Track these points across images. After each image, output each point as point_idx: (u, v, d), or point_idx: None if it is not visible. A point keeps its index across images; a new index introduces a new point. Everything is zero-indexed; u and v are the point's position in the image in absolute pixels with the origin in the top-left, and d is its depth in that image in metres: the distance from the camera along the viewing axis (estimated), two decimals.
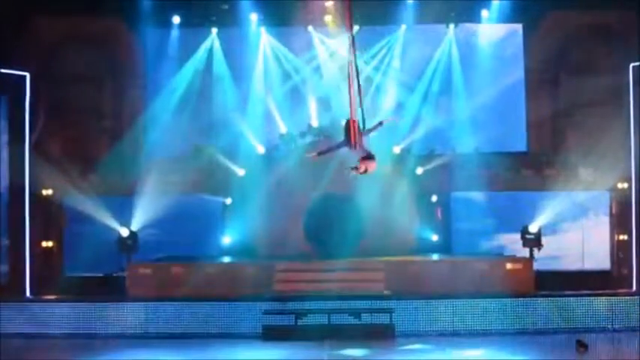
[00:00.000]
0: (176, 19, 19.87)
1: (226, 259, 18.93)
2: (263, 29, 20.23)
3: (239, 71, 20.22)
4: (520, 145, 19.84)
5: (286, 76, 20.24)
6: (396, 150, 20.06)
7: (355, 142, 10.32)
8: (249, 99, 20.15)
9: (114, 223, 18.64)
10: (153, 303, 16.27)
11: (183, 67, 20.02)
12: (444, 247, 19.64)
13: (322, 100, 20.27)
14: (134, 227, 18.62)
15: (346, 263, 17.12)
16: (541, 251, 18.19)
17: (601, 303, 16.11)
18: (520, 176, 19.27)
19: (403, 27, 20.06)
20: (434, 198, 19.95)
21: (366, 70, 20.11)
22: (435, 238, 19.80)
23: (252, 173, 19.72)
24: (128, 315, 16.20)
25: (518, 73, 19.87)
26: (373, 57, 20.30)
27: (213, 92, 20.05)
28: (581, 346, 14.16)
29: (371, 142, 19.32)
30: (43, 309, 16.40)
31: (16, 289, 17.82)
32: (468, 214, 19.69)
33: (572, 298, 16.21)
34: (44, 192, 19.11)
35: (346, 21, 11.73)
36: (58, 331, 16.07)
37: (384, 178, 19.68)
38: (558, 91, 19.38)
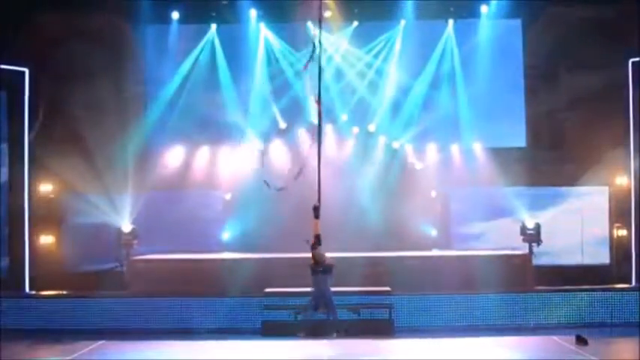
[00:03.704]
0: (175, 15, 19.88)
1: (226, 255, 18.92)
2: (262, 25, 20.22)
3: (238, 67, 20.20)
4: (519, 140, 19.85)
5: (286, 71, 20.19)
6: (396, 145, 20.11)
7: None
8: (249, 95, 20.14)
9: (113, 218, 18.66)
10: (152, 298, 16.28)
11: (182, 63, 20.02)
12: (444, 243, 19.68)
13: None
14: (134, 222, 18.62)
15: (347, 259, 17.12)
16: (540, 246, 18.24)
17: (600, 298, 16.14)
18: (519, 172, 19.26)
19: (402, 22, 20.05)
20: (433, 193, 19.99)
21: (364, 65, 20.20)
22: (434, 233, 19.87)
23: (251, 169, 19.77)
24: (127, 310, 16.20)
25: (517, 69, 19.88)
26: (374, 55, 20.27)
27: (213, 88, 20.01)
28: (581, 341, 14.18)
29: (371, 139, 19.84)
30: (42, 304, 16.42)
31: (15, 284, 17.85)
32: (468, 210, 19.69)
33: (571, 293, 16.25)
34: (43, 187, 19.10)
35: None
36: (57, 327, 16.07)
37: (383, 173, 19.80)
38: (557, 87, 19.37)
